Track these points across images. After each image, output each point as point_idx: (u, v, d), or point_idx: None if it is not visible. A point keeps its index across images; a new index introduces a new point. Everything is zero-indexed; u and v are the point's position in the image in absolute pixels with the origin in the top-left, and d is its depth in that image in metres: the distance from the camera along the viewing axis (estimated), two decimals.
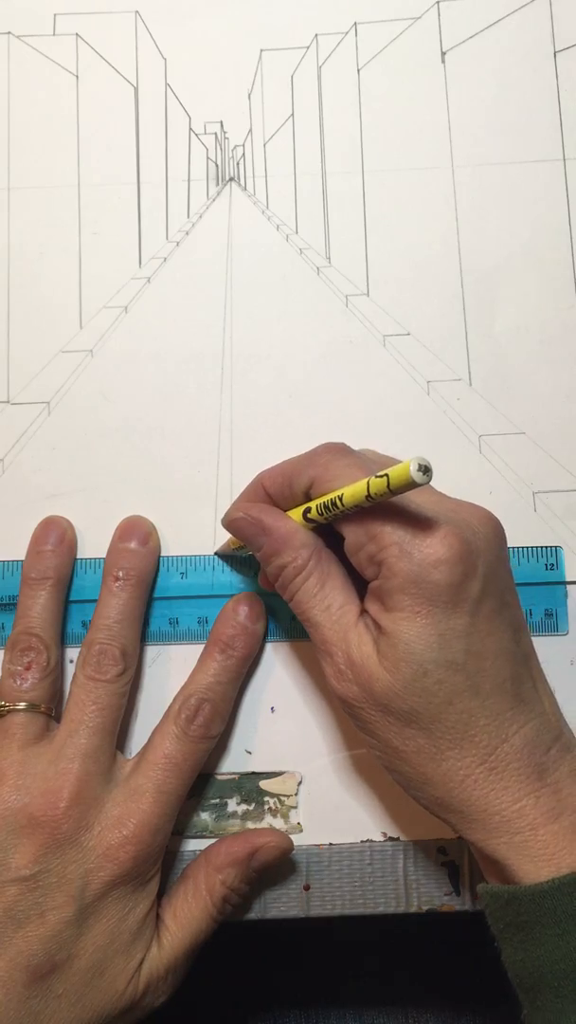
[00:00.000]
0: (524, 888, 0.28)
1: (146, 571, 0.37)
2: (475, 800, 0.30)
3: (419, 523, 0.30)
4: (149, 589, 0.38)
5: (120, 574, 0.36)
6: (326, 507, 0.31)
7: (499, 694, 0.30)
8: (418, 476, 0.27)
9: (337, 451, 0.33)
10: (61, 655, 0.37)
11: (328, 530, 0.33)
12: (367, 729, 0.31)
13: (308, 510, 0.32)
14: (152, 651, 0.38)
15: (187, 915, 0.34)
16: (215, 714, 0.35)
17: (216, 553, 0.39)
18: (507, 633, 0.30)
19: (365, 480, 0.29)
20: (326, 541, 0.33)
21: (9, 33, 0.42)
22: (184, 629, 0.38)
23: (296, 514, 0.33)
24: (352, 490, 0.30)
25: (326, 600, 0.32)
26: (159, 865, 0.34)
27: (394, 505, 0.30)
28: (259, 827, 0.37)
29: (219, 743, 0.37)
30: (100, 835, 0.33)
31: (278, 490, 0.34)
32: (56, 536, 0.38)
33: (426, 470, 0.27)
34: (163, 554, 0.38)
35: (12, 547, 0.38)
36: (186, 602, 0.38)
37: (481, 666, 0.30)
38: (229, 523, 0.34)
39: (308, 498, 0.33)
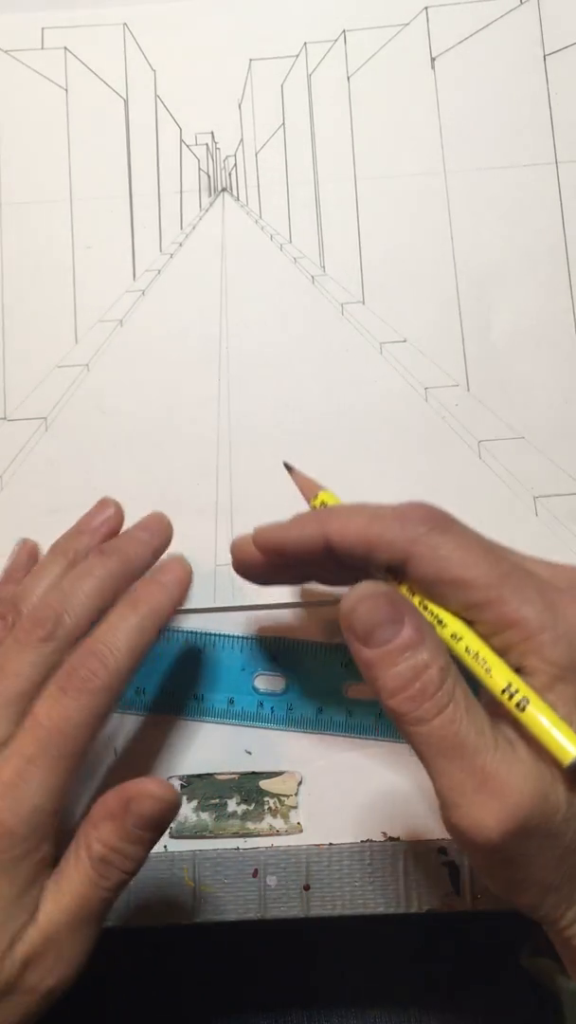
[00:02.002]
0: None
1: (134, 555, 0.33)
2: None
3: (553, 595, 0.25)
4: (131, 574, 0.33)
5: (106, 548, 0.33)
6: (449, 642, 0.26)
7: None
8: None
9: (437, 523, 0.26)
10: None
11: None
12: (524, 874, 0.25)
13: (440, 622, 0.26)
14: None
15: (68, 880, 0.30)
16: (100, 665, 0.30)
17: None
18: None
19: (514, 700, 0.24)
20: None
21: None
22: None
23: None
24: (493, 681, 0.25)
25: (479, 717, 0.25)
26: (42, 846, 0.30)
27: (523, 586, 0.25)
28: (258, 826, 0.37)
29: (219, 743, 0.37)
30: None
31: (348, 551, 0.26)
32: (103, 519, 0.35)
33: None
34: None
35: None
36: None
37: None
38: (354, 606, 0.25)
39: (392, 574, 0.26)
